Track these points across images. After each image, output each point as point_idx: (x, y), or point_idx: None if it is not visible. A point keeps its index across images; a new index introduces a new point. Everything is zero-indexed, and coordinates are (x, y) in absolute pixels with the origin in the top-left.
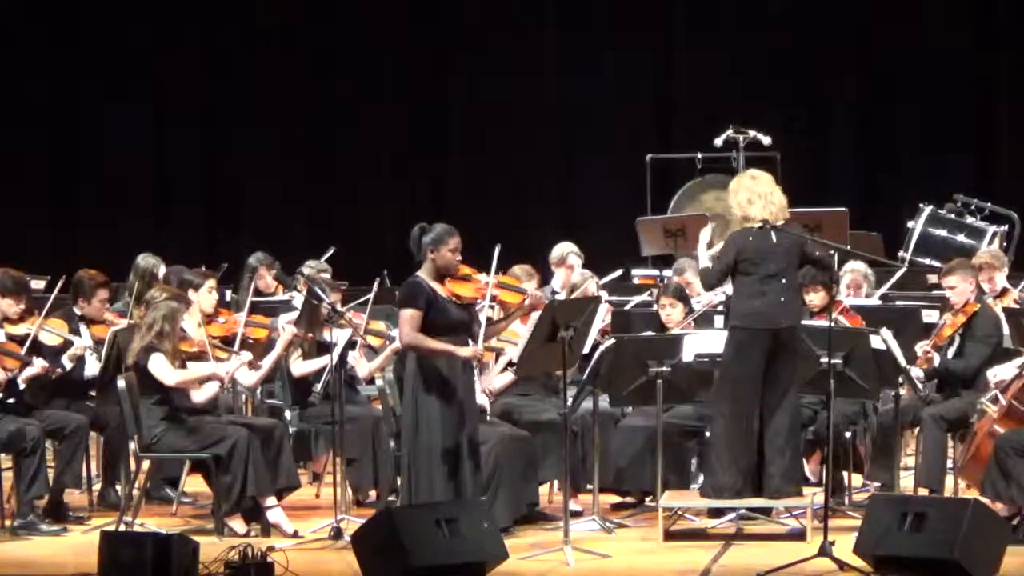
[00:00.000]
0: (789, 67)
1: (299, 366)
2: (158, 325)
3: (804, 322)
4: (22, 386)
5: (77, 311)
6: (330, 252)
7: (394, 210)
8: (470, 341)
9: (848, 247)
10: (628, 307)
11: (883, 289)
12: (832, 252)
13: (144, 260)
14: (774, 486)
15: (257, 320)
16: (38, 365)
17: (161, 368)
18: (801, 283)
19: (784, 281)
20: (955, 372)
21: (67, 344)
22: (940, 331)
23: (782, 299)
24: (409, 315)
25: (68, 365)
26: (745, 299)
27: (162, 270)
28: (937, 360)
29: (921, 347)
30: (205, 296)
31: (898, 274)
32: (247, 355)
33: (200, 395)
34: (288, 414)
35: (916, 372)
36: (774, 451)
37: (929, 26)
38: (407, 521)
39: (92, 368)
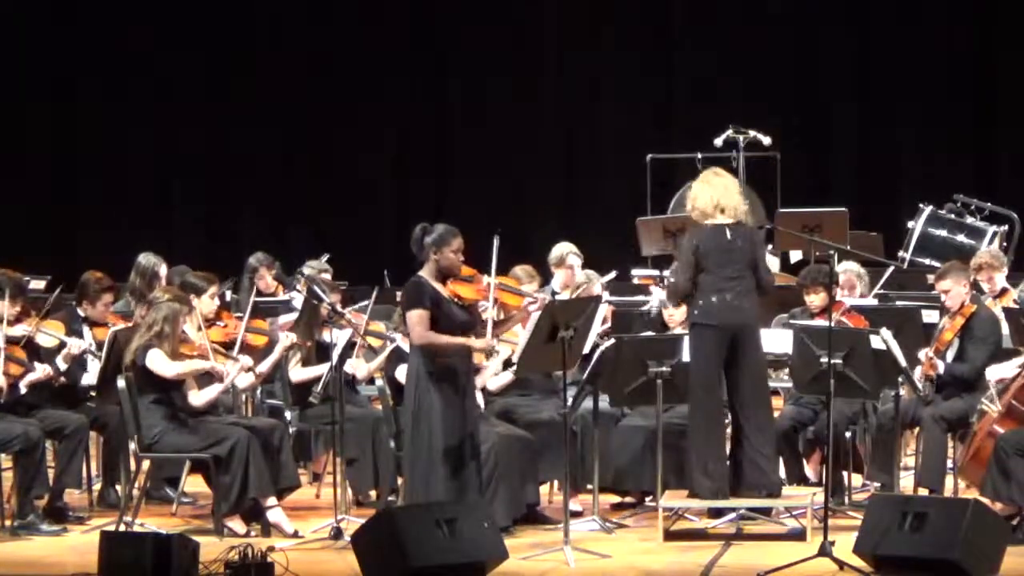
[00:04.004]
0: (789, 67)
1: (298, 372)
2: (158, 326)
3: (804, 322)
4: (24, 391)
5: (81, 312)
6: (326, 258)
7: (394, 210)
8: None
9: (848, 247)
10: (644, 308)
11: (876, 289)
12: (832, 253)
13: (145, 259)
14: (750, 484)
15: (257, 326)
16: (41, 370)
17: (159, 362)
18: (801, 284)
19: (740, 281)
20: (960, 377)
21: (63, 346)
22: (940, 336)
23: (740, 298)
24: (418, 315)
25: (63, 366)
26: (704, 295)
27: (163, 269)
28: (941, 367)
29: (924, 354)
30: (206, 302)
31: (887, 272)
32: (247, 359)
33: (199, 399)
34: (288, 414)
35: (921, 380)
36: (751, 450)
37: (929, 26)
38: (407, 521)
39: (93, 370)
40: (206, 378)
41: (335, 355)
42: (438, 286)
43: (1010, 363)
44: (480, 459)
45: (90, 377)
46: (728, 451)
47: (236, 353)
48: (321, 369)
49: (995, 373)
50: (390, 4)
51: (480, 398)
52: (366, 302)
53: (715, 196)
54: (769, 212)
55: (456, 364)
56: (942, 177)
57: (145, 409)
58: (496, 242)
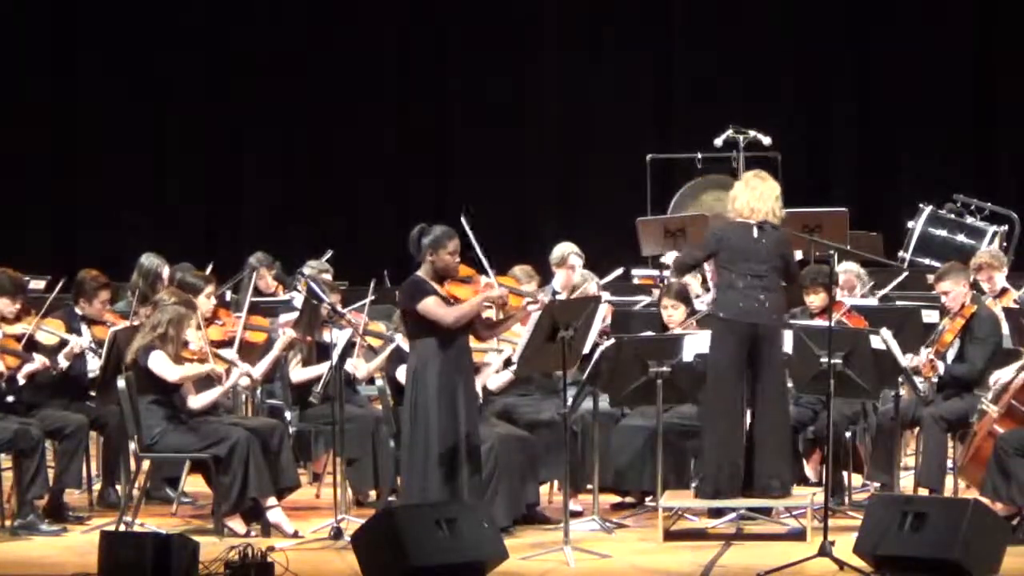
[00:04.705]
0: (789, 67)
1: (298, 373)
2: (162, 328)
3: (804, 322)
4: (22, 382)
5: (78, 311)
6: (328, 254)
7: (394, 210)
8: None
9: (848, 247)
10: (636, 307)
11: (883, 291)
12: (832, 253)
13: (148, 260)
14: (762, 484)
15: (256, 323)
16: (38, 361)
17: (162, 364)
18: (801, 284)
19: (765, 280)
20: (961, 377)
21: (63, 343)
22: (941, 337)
23: (761, 297)
24: (432, 301)
25: (64, 364)
26: (725, 292)
27: (166, 270)
28: (942, 368)
29: (925, 356)
30: (203, 301)
31: (899, 278)
32: (246, 366)
33: (197, 402)
34: (288, 414)
35: (922, 382)
36: (765, 450)
37: (929, 26)
38: (407, 521)
39: (93, 367)
40: (205, 381)
41: (335, 355)
42: (435, 286)
43: (1011, 367)
44: (480, 459)
45: (92, 367)
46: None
47: (235, 350)
48: (321, 369)
49: (998, 378)
50: (390, 4)
51: (480, 398)
52: (364, 302)
53: (752, 200)
54: None
55: (455, 364)
56: (942, 177)
57: (145, 409)
58: (466, 223)
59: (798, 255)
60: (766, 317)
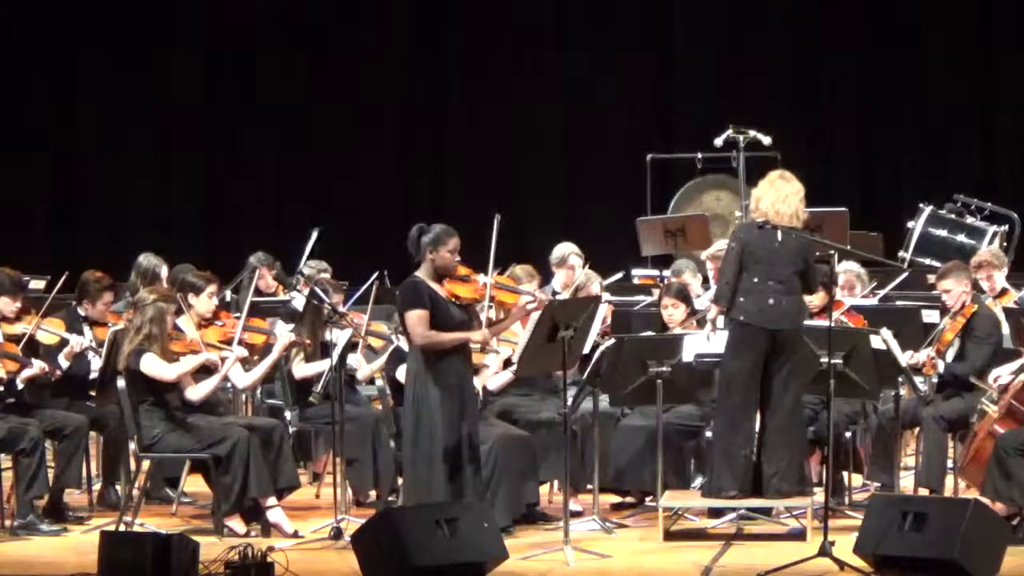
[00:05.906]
0: (789, 67)
1: (301, 368)
2: (146, 328)
3: (804, 322)
4: (20, 386)
5: (81, 312)
6: (315, 234)
7: (394, 210)
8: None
9: (848, 247)
10: (636, 308)
11: (884, 291)
12: (832, 253)
13: (146, 260)
14: (773, 487)
15: (255, 325)
16: (37, 367)
17: (155, 366)
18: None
19: (786, 284)
20: (960, 376)
21: (64, 343)
22: (941, 336)
23: (783, 301)
24: (417, 315)
25: (65, 364)
26: (745, 296)
27: (164, 270)
28: (941, 366)
29: (925, 354)
30: (204, 301)
31: (900, 278)
32: (242, 350)
33: (195, 393)
34: (288, 414)
35: (922, 381)
36: (774, 453)
37: (929, 26)
38: (407, 521)
39: (96, 367)
40: (201, 371)
41: (335, 355)
42: (435, 286)
43: (1010, 366)
44: (480, 459)
45: (95, 367)
46: (753, 451)
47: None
48: (325, 364)
49: (998, 375)
50: (390, 4)
51: (480, 398)
52: (360, 292)
53: (776, 203)
54: None
55: (455, 364)
56: (942, 177)
57: (145, 410)
58: (496, 225)
59: None
60: (786, 322)
